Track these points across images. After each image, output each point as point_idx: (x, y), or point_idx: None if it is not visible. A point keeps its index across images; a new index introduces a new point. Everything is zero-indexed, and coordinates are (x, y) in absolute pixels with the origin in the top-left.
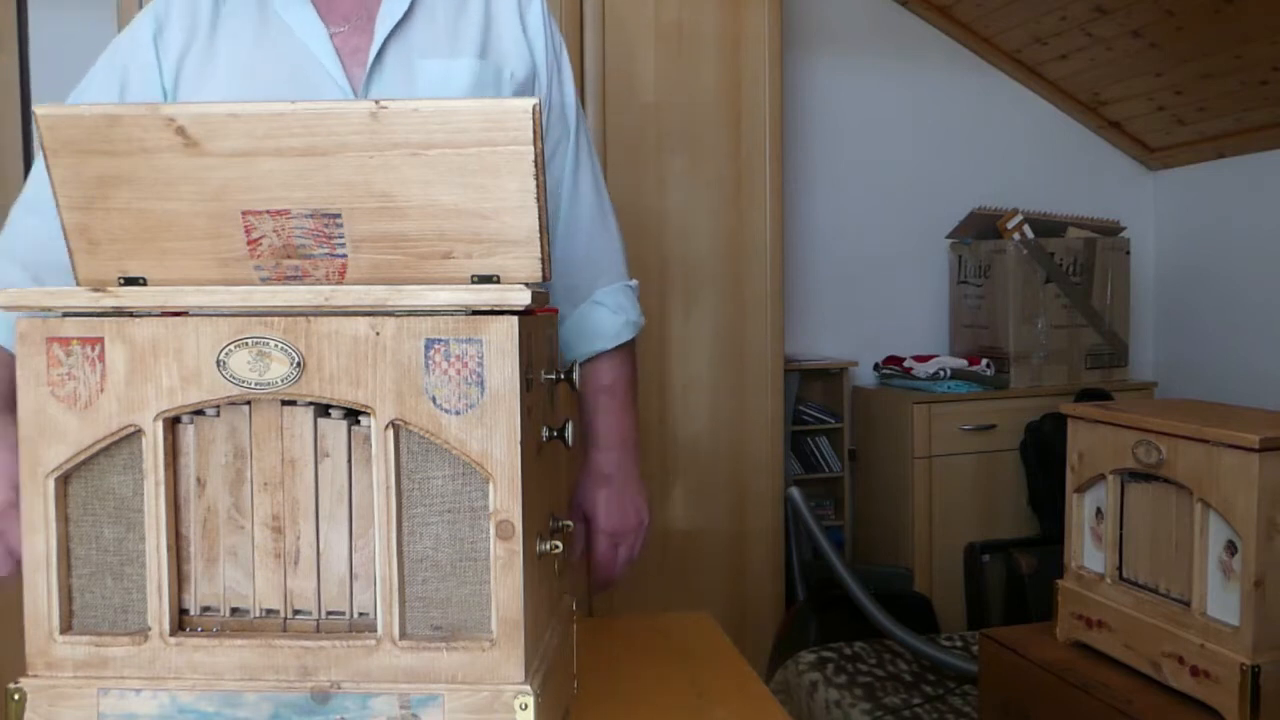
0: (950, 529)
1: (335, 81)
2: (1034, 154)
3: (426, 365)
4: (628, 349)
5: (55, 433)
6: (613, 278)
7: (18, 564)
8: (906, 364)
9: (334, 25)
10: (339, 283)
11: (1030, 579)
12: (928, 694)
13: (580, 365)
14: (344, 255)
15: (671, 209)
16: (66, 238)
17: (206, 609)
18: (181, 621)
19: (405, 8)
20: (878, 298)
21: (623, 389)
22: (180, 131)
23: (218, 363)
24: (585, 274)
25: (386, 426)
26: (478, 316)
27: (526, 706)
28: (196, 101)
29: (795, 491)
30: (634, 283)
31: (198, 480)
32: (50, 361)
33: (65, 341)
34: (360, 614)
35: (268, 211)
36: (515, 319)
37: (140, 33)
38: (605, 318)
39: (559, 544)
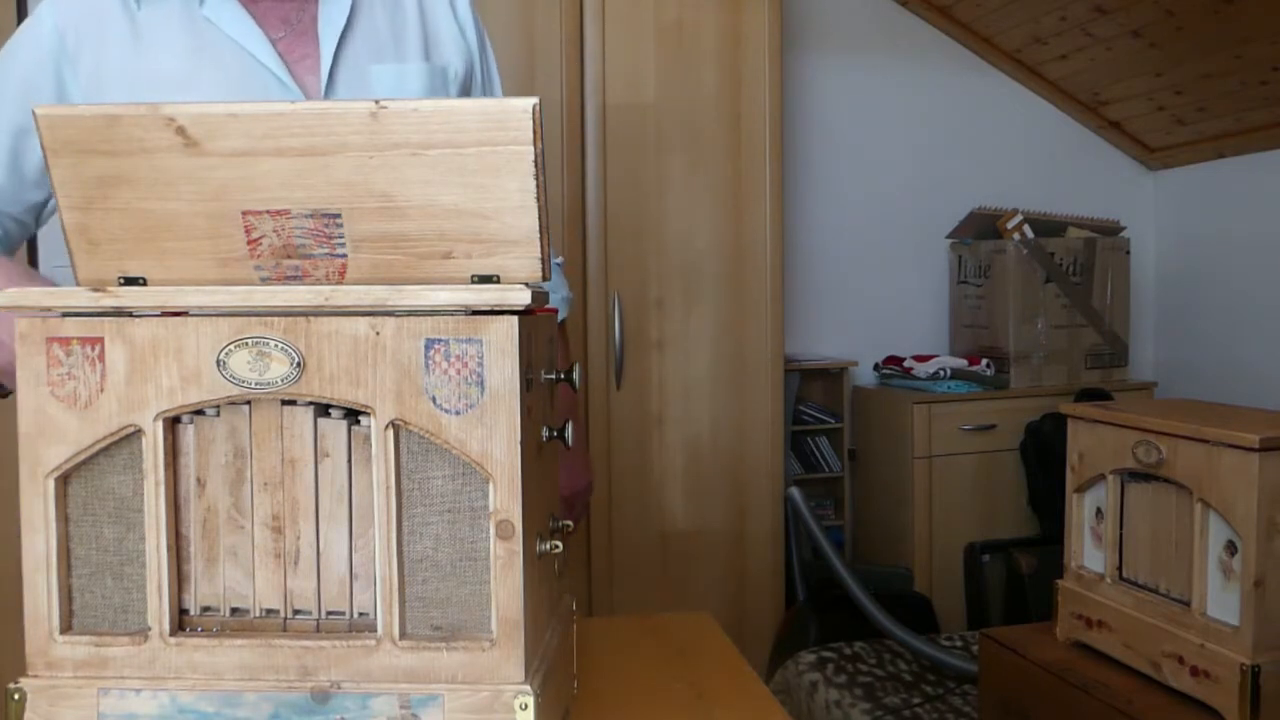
0: (950, 529)
1: (287, 88)
2: (1034, 154)
3: (426, 365)
4: (562, 325)
5: (55, 433)
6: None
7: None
8: (906, 364)
9: (272, 31)
10: (339, 283)
11: (1030, 579)
12: (928, 694)
13: None
14: (344, 255)
15: (671, 209)
16: (66, 238)
17: (206, 609)
18: (181, 621)
19: (346, 14)
20: (878, 298)
21: (566, 361)
22: (180, 131)
23: (218, 363)
24: None
25: (386, 426)
26: (478, 316)
27: (526, 706)
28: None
29: (795, 491)
30: (560, 259)
31: (198, 480)
32: (50, 361)
33: (65, 341)
34: (360, 614)
35: (268, 211)
36: (515, 319)
37: (40, 53)
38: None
39: (559, 544)
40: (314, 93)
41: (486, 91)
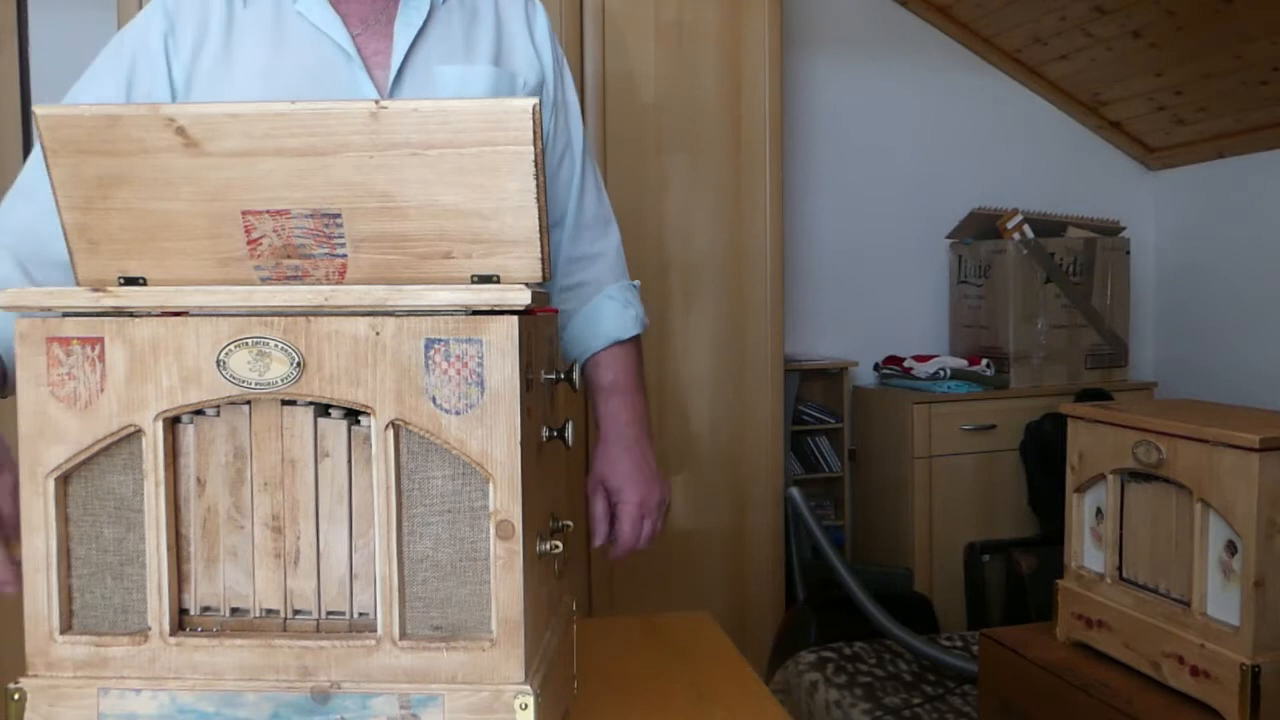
0: (950, 529)
1: (362, 84)
2: (1034, 154)
3: (426, 365)
4: (638, 341)
5: (55, 433)
6: (618, 275)
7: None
8: (906, 364)
9: (351, 29)
10: (339, 283)
11: (1030, 579)
12: (928, 694)
13: (598, 354)
14: (344, 255)
15: (671, 209)
16: (66, 238)
17: (206, 609)
18: (181, 621)
19: (424, 16)
20: (878, 298)
21: (639, 376)
22: (180, 131)
23: (218, 363)
24: (593, 272)
25: (386, 426)
26: (478, 316)
27: (526, 706)
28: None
29: (795, 491)
30: (637, 283)
31: (198, 480)
32: (50, 361)
33: (65, 341)
34: (360, 614)
35: (268, 211)
36: (515, 319)
37: (150, 31)
38: (619, 311)
39: (559, 544)
40: (381, 86)
41: (560, 114)
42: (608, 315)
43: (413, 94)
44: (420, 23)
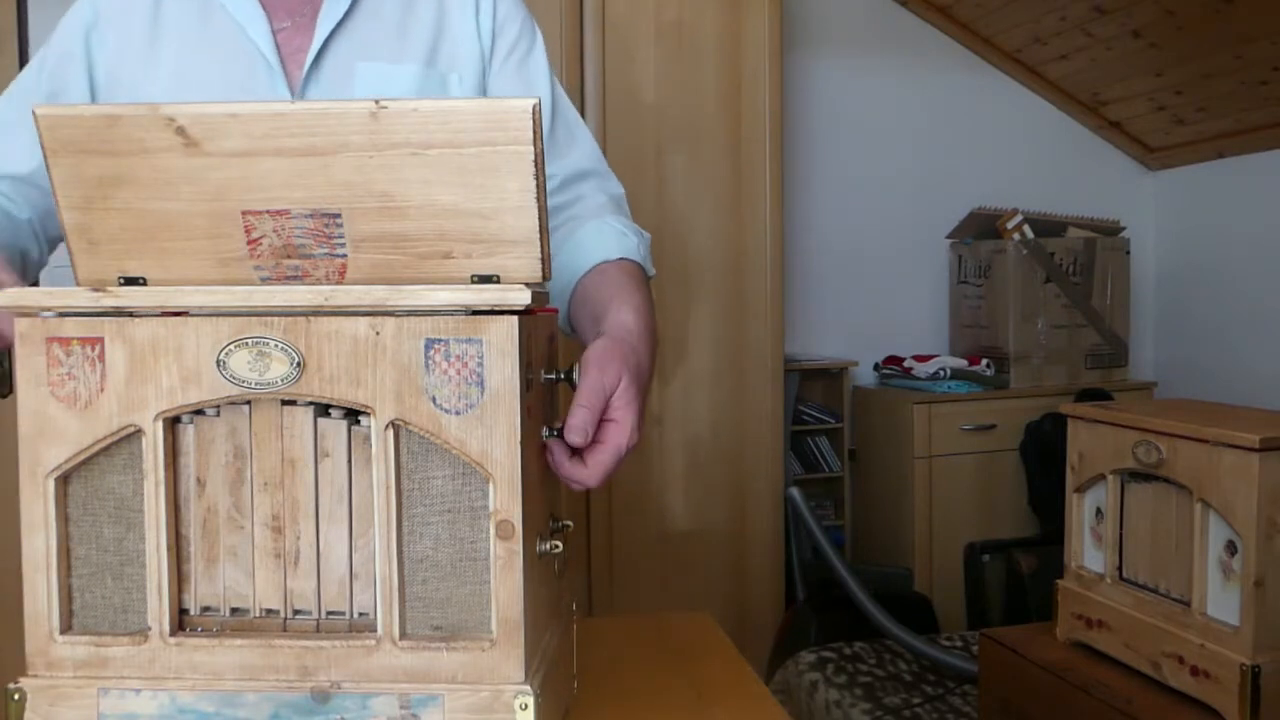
0: (950, 529)
1: (274, 75)
2: (1034, 154)
3: (426, 365)
4: (643, 273)
5: (55, 433)
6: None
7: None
8: (906, 364)
9: (277, 22)
10: (339, 283)
11: (1030, 579)
12: (928, 694)
13: (587, 275)
14: (344, 255)
15: (671, 209)
16: (66, 238)
17: (206, 609)
18: (181, 621)
19: (346, 6)
20: (878, 298)
21: (647, 306)
22: (180, 131)
23: (218, 363)
24: (583, 208)
25: (386, 426)
26: (478, 316)
27: (526, 706)
28: (145, 100)
29: (795, 491)
30: (647, 235)
31: (198, 480)
32: (50, 361)
33: (65, 341)
34: (360, 614)
35: (268, 211)
36: (515, 319)
37: (73, 30)
38: (616, 234)
39: (559, 544)
40: (296, 84)
41: (508, 75)
42: (613, 235)
43: (328, 91)
44: (340, 14)
